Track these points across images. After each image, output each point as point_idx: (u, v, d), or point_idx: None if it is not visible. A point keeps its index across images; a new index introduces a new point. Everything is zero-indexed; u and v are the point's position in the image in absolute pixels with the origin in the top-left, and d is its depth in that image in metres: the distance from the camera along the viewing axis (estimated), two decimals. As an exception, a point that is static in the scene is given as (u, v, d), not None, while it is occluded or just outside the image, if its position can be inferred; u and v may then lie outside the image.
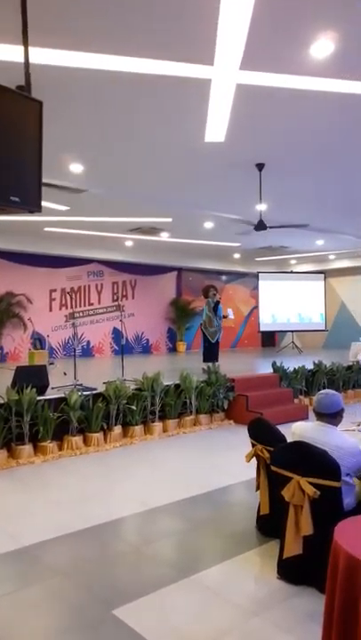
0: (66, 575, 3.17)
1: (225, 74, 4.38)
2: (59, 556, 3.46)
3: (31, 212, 2.80)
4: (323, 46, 3.99)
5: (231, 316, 9.80)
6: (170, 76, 4.42)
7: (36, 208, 2.80)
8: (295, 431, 3.32)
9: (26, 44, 2.89)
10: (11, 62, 3.79)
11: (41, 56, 3.99)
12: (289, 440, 3.38)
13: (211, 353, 9.28)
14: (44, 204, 2.92)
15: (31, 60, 2.91)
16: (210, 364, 8.72)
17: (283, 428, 3.77)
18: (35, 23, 3.03)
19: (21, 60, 2.87)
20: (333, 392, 3.29)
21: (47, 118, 2.84)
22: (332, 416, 3.19)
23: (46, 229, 10.96)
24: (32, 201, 2.77)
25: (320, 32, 3.82)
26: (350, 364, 10.69)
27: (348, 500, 3.01)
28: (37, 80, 2.96)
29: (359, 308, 16.32)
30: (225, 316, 9.49)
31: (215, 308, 9.31)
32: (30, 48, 2.93)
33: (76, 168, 6.85)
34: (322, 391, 3.33)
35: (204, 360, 9.18)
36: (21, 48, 2.89)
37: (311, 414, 3.56)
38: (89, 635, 2.56)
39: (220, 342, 9.46)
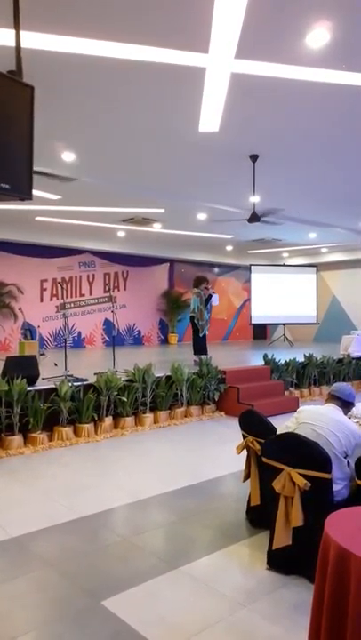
0: (54, 566, 3.16)
1: (220, 62, 4.33)
2: (47, 546, 3.44)
3: (22, 199, 2.75)
4: (319, 36, 3.96)
5: (216, 302, 9.66)
6: (164, 64, 4.36)
7: (26, 196, 2.76)
8: (301, 410, 3.41)
9: (17, 27, 2.83)
10: (1, 46, 3.72)
11: (33, 41, 3.92)
12: (281, 430, 3.41)
13: (201, 345, 9.27)
14: (35, 192, 2.88)
15: (23, 45, 2.85)
16: (202, 356, 8.71)
17: (274, 420, 3.78)
18: (27, 7, 2.97)
19: (13, 44, 2.81)
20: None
21: (39, 105, 2.78)
22: (344, 403, 3.34)
23: (38, 219, 10.86)
24: (23, 188, 2.73)
25: (316, 21, 3.78)
26: (341, 357, 10.74)
27: (339, 478, 3.02)
28: (29, 65, 2.90)
29: (351, 301, 16.37)
30: (211, 295, 9.38)
31: (207, 301, 9.28)
32: (22, 32, 2.88)
33: (69, 157, 6.77)
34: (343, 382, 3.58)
35: (195, 352, 9.17)
36: (13, 32, 2.83)
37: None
38: (77, 626, 2.56)
39: (205, 335, 9.42)
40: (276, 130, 5.97)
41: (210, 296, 9.32)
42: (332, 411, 3.26)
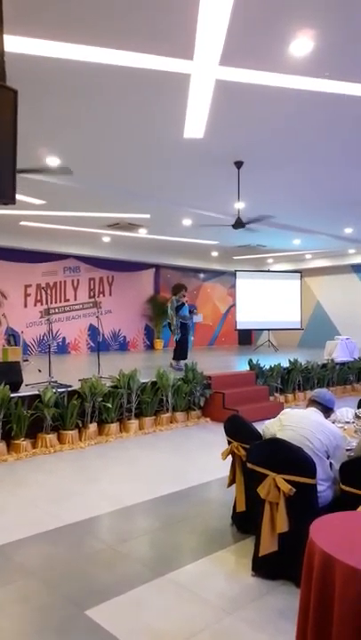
0: (38, 575, 3.11)
1: (204, 69, 4.35)
2: (31, 555, 3.39)
3: (5, 204, 2.73)
4: (302, 44, 3.99)
5: (199, 320, 9.83)
6: (149, 70, 4.36)
7: (9, 200, 2.73)
8: (285, 412, 3.50)
9: (0, 31, 2.81)
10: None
11: (17, 45, 3.89)
12: (262, 429, 3.51)
13: (178, 351, 9.38)
14: (18, 197, 2.86)
15: (6, 49, 2.83)
16: (181, 361, 8.78)
17: (259, 426, 3.77)
18: (10, 10, 2.95)
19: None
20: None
21: (23, 109, 2.76)
22: (324, 408, 3.42)
23: (22, 223, 10.78)
24: (6, 193, 2.69)
25: (299, 30, 3.82)
26: (325, 362, 10.82)
27: (322, 478, 3.03)
28: (13, 70, 2.88)
29: (334, 307, 16.52)
30: (191, 312, 9.55)
31: (178, 308, 9.35)
32: (5, 36, 2.85)
33: (53, 161, 6.74)
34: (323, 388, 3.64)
35: (173, 358, 9.29)
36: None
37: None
38: (61, 636, 2.52)
39: (181, 340, 9.50)
40: (260, 137, 6.00)
41: (182, 304, 9.43)
42: (313, 413, 3.35)
